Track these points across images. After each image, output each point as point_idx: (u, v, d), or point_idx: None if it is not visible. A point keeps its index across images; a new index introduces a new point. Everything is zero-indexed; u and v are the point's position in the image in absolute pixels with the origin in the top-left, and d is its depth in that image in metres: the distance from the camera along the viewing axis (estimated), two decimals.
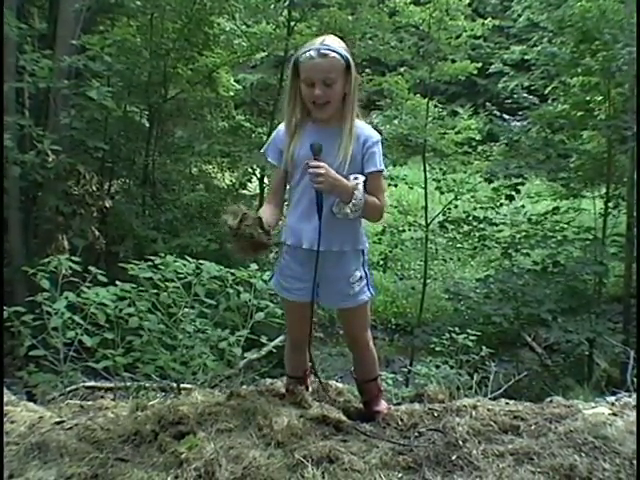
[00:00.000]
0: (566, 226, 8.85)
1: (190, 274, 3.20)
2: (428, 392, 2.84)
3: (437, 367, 4.78)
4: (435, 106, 10.61)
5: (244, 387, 3.03)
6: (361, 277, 2.38)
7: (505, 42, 18.03)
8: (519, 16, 13.83)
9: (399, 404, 2.79)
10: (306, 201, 2.28)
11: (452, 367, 4.76)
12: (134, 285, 3.17)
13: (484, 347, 5.25)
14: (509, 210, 9.80)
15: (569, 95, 9.53)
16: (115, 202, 8.89)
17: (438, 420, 2.36)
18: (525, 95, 9.66)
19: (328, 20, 9.18)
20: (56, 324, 3.02)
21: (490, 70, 15.11)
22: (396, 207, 10.85)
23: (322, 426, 2.29)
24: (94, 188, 8.08)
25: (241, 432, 2.18)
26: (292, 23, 9.45)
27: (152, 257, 3.27)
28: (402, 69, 10.64)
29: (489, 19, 10.41)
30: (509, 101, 9.78)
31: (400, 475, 1.97)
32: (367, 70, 10.43)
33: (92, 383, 3.85)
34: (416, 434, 2.29)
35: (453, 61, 10.38)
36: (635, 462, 1.93)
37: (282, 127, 2.36)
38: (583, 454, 2.00)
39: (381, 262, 9.97)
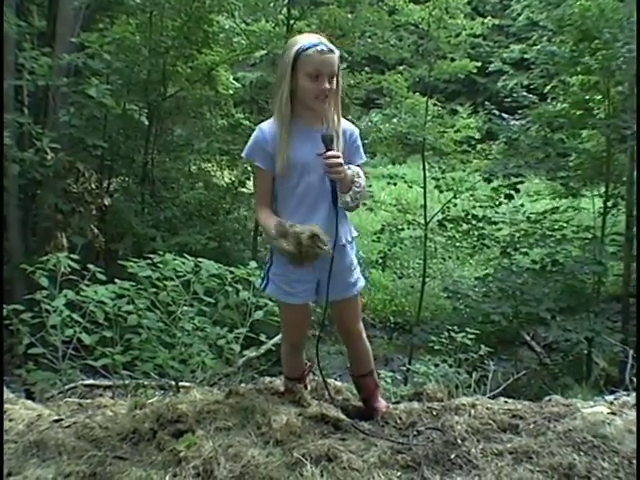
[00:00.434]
0: (565, 225, 8.83)
1: (189, 272, 3.20)
2: (427, 391, 2.84)
3: (436, 366, 4.76)
4: (434, 105, 10.58)
5: (243, 385, 3.03)
6: (356, 265, 2.43)
7: (505, 41, 18.04)
8: (519, 15, 13.88)
9: (398, 403, 2.78)
10: (309, 202, 2.27)
11: (451, 366, 4.74)
12: (133, 283, 3.17)
13: (483, 346, 5.22)
14: (508, 209, 9.78)
15: (568, 94, 9.53)
16: (114, 200, 8.90)
17: (437, 419, 2.35)
18: (524, 94, 9.63)
19: (327, 18, 9.18)
20: (55, 322, 3.02)
21: (489, 69, 15.15)
22: (395, 205, 10.82)
23: (321, 424, 2.30)
24: (93, 186, 8.10)
25: (240, 430, 2.18)
26: (291, 21, 9.43)
27: (151, 255, 3.27)
28: (401, 67, 10.63)
29: (489, 18, 10.38)
30: (508, 100, 9.75)
31: (399, 474, 1.97)
32: (366, 68, 10.42)
33: (91, 381, 3.86)
34: (415, 433, 2.29)
35: (452, 60, 10.37)
36: (634, 461, 1.93)
37: (265, 127, 2.28)
38: (582, 453, 2.00)
39: (380, 260, 9.94)
